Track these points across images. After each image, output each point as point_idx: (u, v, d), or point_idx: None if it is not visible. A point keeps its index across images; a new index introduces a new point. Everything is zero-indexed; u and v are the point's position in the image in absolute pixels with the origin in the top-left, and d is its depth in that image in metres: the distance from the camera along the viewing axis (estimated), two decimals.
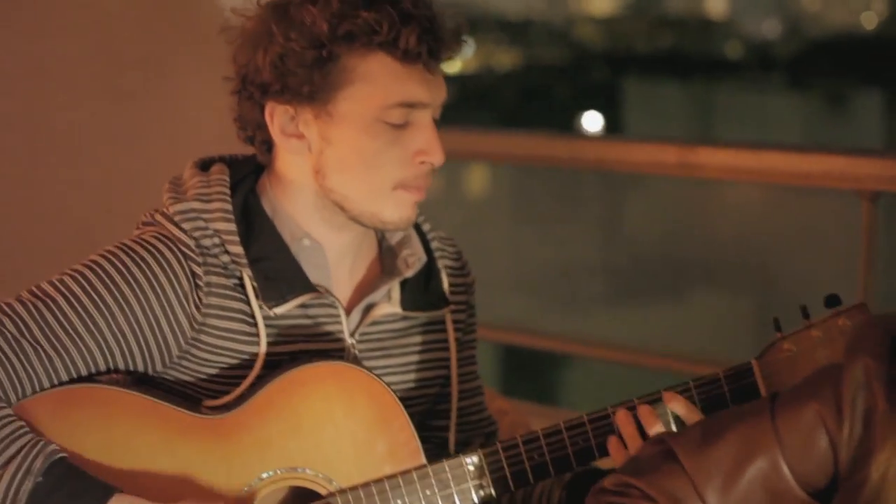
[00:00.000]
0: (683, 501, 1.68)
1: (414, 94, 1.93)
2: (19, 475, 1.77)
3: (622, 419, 1.94)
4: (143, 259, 1.90)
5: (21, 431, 1.80)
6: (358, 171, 1.94)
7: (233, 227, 1.94)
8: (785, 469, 1.68)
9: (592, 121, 14.96)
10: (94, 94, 3.36)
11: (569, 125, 15.00)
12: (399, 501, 1.93)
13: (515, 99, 16.44)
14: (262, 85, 1.94)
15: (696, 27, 16.89)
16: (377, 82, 1.92)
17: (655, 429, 1.91)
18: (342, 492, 1.92)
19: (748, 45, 16.29)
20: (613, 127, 14.64)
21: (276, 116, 1.95)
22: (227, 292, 1.94)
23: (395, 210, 1.97)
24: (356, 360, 2.00)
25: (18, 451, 1.78)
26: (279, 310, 1.94)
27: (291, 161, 1.98)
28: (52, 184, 3.32)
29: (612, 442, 1.94)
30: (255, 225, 1.98)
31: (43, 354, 1.85)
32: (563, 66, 16.64)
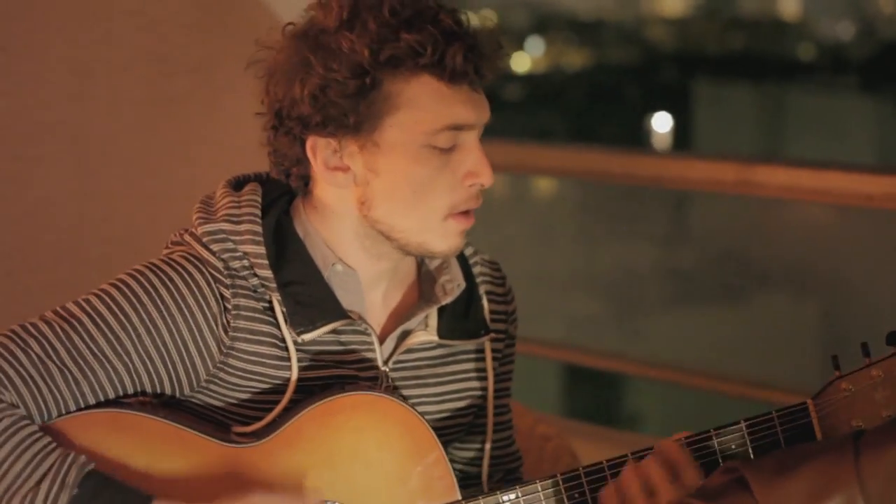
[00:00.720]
0: None
1: (461, 115, 1.85)
2: (54, 489, 1.72)
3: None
4: (171, 280, 1.84)
5: (50, 447, 1.75)
6: (408, 200, 1.86)
7: (262, 249, 1.87)
8: None
9: (662, 122, 14.82)
10: (141, 100, 3.31)
11: (638, 126, 14.87)
12: None
13: (585, 99, 16.32)
14: (302, 118, 1.85)
15: (769, 28, 16.67)
16: (423, 107, 1.84)
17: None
18: None
19: (821, 47, 16.06)
20: (683, 128, 14.49)
21: (319, 151, 1.87)
22: (257, 315, 1.87)
23: (444, 240, 1.89)
24: (390, 389, 1.93)
25: (51, 467, 1.73)
26: (308, 336, 1.87)
27: (333, 192, 1.90)
28: (97, 191, 3.28)
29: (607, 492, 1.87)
30: (286, 248, 1.90)
31: (70, 377, 1.79)
32: (634, 67, 16.49)
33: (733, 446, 1.88)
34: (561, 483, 1.88)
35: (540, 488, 1.88)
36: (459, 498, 1.87)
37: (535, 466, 2.46)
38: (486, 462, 2.03)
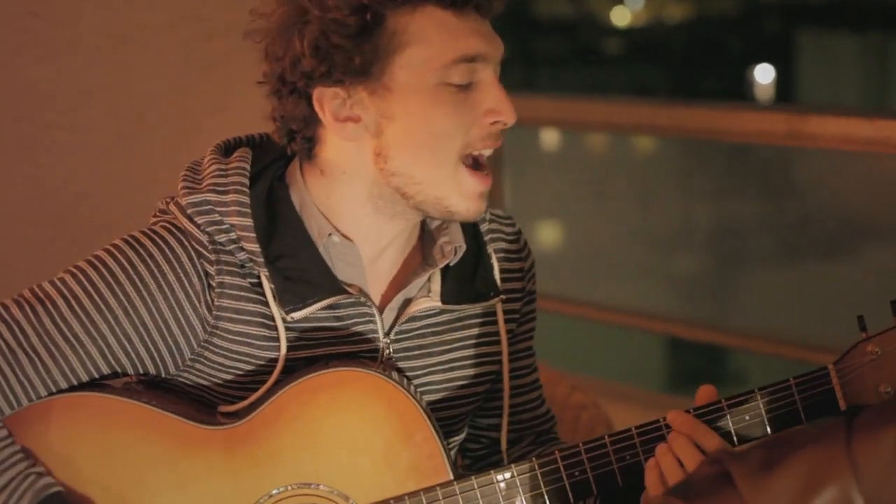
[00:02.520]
0: None
1: (473, 46, 1.75)
2: None
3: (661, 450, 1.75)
4: (150, 255, 1.75)
5: (13, 459, 1.69)
6: (427, 145, 1.75)
7: (249, 221, 1.77)
8: (858, 501, 1.45)
9: (764, 74, 14.47)
10: (179, 64, 3.25)
11: (740, 78, 14.54)
12: None
13: (686, 52, 16.00)
14: (305, 73, 1.75)
15: None
16: (431, 40, 1.73)
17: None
18: None
19: None
20: (786, 80, 14.15)
21: (327, 102, 1.76)
22: (243, 294, 1.78)
23: (463, 201, 1.77)
24: (390, 362, 1.83)
25: (7, 485, 1.67)
26: (298, 314, 1.77)
27: (346, 148, 1.79)
28: (136, 157, 3.23)
29: (649, 465, 1.74)
30: (278, 218, 1.80)
31: (40, 365, 1.72)
32: (736, 18, 16.13)
33: (747, 418, 1.76)
34: (560, 460, 1.78)
35: (537, 466, 1.78)
36: (451, 477, 1.78)
37: (569, 436, 2.36)
38: (504, 428, 1.93)
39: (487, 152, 1.79)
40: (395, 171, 1.77)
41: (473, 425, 1.99)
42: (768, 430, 1.76)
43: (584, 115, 3.52)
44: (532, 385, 2.01)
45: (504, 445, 1.93)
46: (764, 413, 1.75)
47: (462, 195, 1.77)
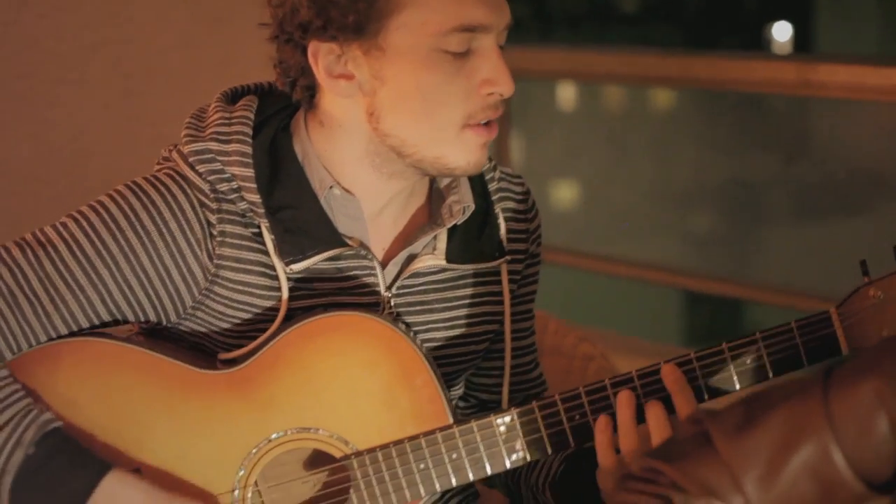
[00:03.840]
0: (718, 492, 1.45)
1: (473, 15, 1.70)
2: (9, 445, 1.65)
3: (622, 400, 1.75)
4: (152, 202, 1.74)
5: (15, 397, 1.68)
6: (418, 110, 1.72)
7: (250, 172, 1.76)
8: (837, 456, 1.43)
9: (782, 31, 14.36)
10: (185, 19, 3.24)
11: (758, 36, 14.44)
12: (422, 465, 1.75)
13: (702, 9, 15.89)
14: (302, 24, 1.72)
15: None
16: (431, 4, 1.69)
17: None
18: (358, 454, 1.75)
19: None
20: (804, 37, 14.04)
21: (321, 57, 1.73)
22: (244, 243, 1.76)
23: (462, 154, 1.74)
24: (392, 316, 1.82)
25: (9, 420, 1.66)
26: (298, 266, 1.75)
27: (341, 104, 1.77)
28: (142, 113, 3.22)
29: (600, 422, 1.75)
30: (280, 169, 1.78)
31: (40, 309, 1.71)
32: None
33: (748, 361, 1.75)
34: (560, 404, 1.77)
35: (537, 409, 1.77)
36: (451, 421, 1.77)
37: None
38: (505, 389, 1.92)
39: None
40: (388, 132, 1.75)
41: (470, 385, 1.98)
42: (770, 374, 1.74)
43: (597, 67, 3.50)
44: (528, 348, 1.99)
45: (505, 406, 1.92)
46: (766, 356, 1.74)
47: (461, 150, 1.75)
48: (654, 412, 1.73)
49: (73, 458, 1.66)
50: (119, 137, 3.22)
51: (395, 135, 1.74)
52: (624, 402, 1.73)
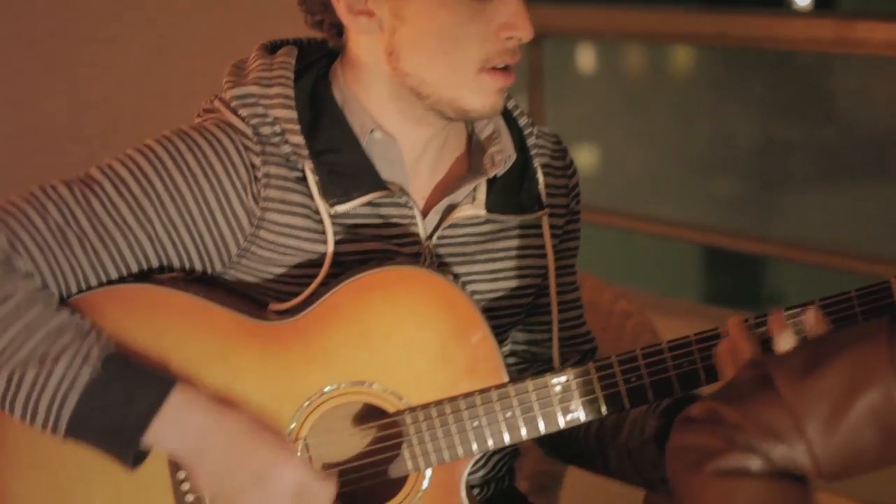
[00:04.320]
0: (781, 435, 1.45)
1: None
2: (76, 364, 1.64)
3: (734, 326, 1.72)
4: (198, 146, 1.74)
5: (71, 321, 1.67)
6: (435, 50, 1.73)
7: (293, 114, 1.76)
8: None
9: None
10: None
11: None
12: (475, 423, 1.74)
13: None
14: None
15: None
16: None
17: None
18: (412, 410, 1.74)
19: None
20: None
21: None
22: (288, 185, 1.76)
23: (478, 97, 1.75)
24: (434, 266, 1.81)
25: (72, 340, 1.65)
26: (342, 208, 1.76)
27: (363, 42, 1.78)
28: (175, 70, 3.20)
29: (720, 351, 1.72)
30: (322, 114, 1.79)
31: (88, 246, 1.71)
32: None
33: (806, 329, 1.73)
34: (616, 365, 1.76)
35: (593, 370, 1.76)
36: (506, 380, 1.76)
37: (614, 344, 2.34)
38: (555, 344, 1.91)
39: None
40: (406, 71, 1.75)
41: (518, 342, 1.97)
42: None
43: (620, 25, 3.47)
44: (574, 303, 1.98)
45: (557, 361, 1.91)
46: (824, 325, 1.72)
47: (478, 93, 1.75)
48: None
49: (138, 377, 1.65)
50: (150, 97, 3.21)
51: (413, 74, 1.74)
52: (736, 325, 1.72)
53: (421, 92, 1.75)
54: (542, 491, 2.40)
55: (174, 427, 1.65)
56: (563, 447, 1.96)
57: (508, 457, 1.96)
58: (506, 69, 1.75)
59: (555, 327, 1.90)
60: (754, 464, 1.44)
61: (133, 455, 1.66)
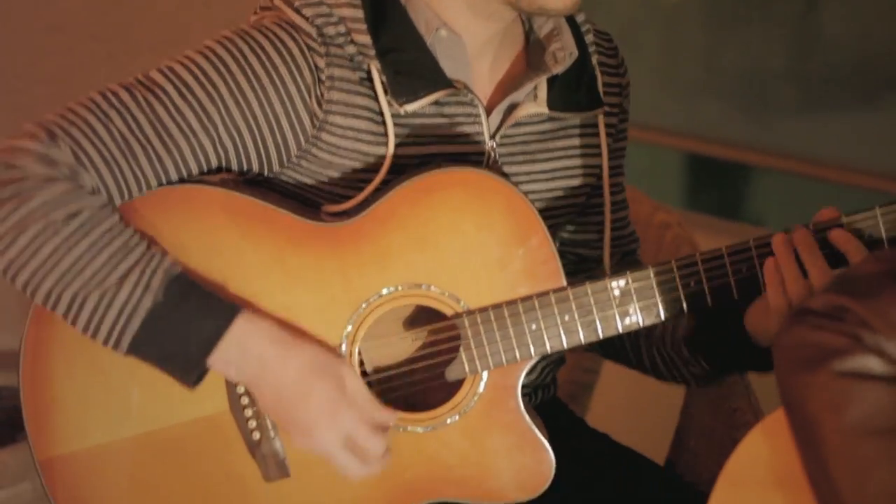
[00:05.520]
0: None
1: None
2: (138, 291, 1.61)
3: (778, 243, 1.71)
4: (262, 48, 1.70)
5: (134, 242, 1.63)
6: None
7: (359, 13, 1.71)
8: None
9: None
10: None
11: None
12: (533, 326, 1.73)
13: None
14: None
15: None
16: None
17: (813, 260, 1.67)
18: (470, 313, 1.72)
19: None
20: None
21: None
22: (353, 87, 1.72)
23: None
24: (496, 165, 1.79)
25: (136, 264, 1.62)
26: (410, 107, 1.72)
27: None
28: None
29: (769, 265, 1.70)
30: (386, 12, 1.74)
31: (153, 154, 1.67)
32: None
33: (864, 237, 1.71)
34: (675, 270, 1.74)
35: (652, 274, 1.74)
36: (564, 284, 1.74)
37: (653, 255, 2.32)
38: (606, 244, 1.90)
39: None
40: None
41: (569, 241, 1.95)
42: (885, 246, 1.72)
43: None
44: (623, 203, 1.99)
45: (607, 260, 1.90)
46: (883, 231, 1.71)
47: None
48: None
49: (201, 303, 1.63)
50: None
51: None
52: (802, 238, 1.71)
53: None
54: (572, 400, 2.39)
55: (236, 356, 1.63)
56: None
57: (554, 365, 1.96)
58: None
59: (607, 227, 1.89)
60: (879, 366, 1.40)
61: (195, 378, 1.65)
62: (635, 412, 2.75)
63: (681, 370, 1.91)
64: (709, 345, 1.83)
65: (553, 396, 2.00)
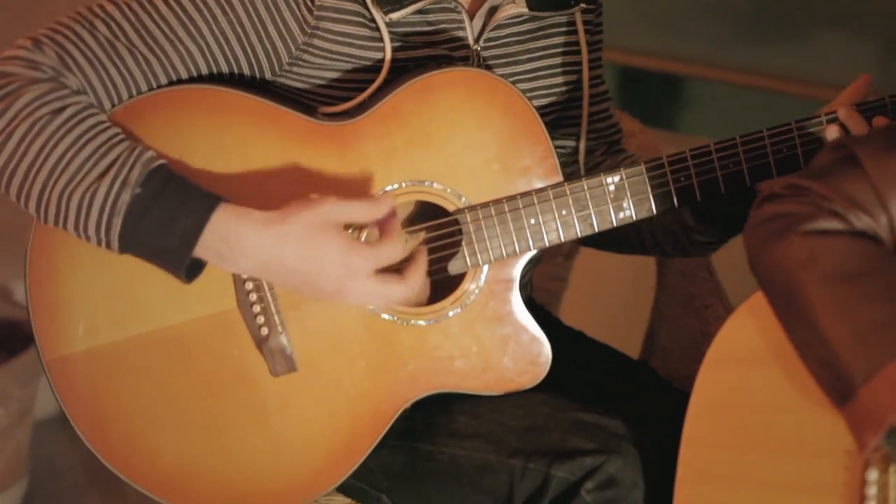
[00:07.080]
0: (863, 206, 1.52)
1: None
2: (116, 186, 1.61)
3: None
4: None
5: (116, 139, 1.65)
6: None
7: None
8: None
9: None
10: None
11: None
12: (532, 220, 1.79)
13: None
14: None
15: None
16: None
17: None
18: (471, 208, 1.78)
19: None
20: None
21: None
22: None
23: None
24: (483, 68, 1.83)
25: (114, 161, 1.63)
26: (395, 15, 1.76)
27: None
28: None
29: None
30: None
31: (140, 57, 1.69)
32: None
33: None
34: (667, 165, 1.81)
35: (644, 170, 1.81)
36: (561, 180, 1.80)
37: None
38: (583, 133, 1.96)
39: None
40: None
41: (552, 136, 2.01)
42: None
43: None
44: (604, 95, 2.05)
45: (582, 154, 1.96)
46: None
47: None
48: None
49: (180, 195, 1.62)
50: None
51: None
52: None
53: None
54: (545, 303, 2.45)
55: (223, 247, 1.63)
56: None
57: (531, 265, 2.01)
58: None
59: (584, 120, 1.95)
60: (841, 225, 1.51)
61: (185, 271, 1.65)
62: (607, 316, 2.82)
63: (681, 240, 1.97)
64: (714, 212, 1.91)
65: (529, 297, 2.06)
